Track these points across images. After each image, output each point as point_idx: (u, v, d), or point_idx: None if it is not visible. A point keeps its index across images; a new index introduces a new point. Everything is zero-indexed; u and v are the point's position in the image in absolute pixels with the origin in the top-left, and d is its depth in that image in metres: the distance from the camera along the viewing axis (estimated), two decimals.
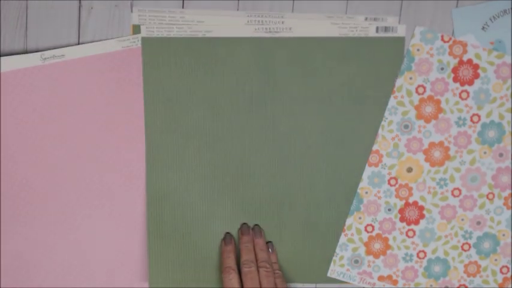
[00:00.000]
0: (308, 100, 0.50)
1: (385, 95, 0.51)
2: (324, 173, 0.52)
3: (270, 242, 0.53)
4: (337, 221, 0.53)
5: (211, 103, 0.50)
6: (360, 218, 0.53)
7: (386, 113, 0.51)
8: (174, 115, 0.51)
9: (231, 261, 0.50)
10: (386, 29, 0.49)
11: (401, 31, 0.49)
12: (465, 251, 0.54)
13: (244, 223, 0.53)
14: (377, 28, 0.49)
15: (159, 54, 0.50)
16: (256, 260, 0.51)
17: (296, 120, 0.51)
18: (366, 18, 0.49)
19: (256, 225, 0.53)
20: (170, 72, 0.50)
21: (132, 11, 0.50)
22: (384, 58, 0.50)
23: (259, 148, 0.51)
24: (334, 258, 0.54)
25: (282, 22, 0.49)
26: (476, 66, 0.50)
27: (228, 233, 0.53)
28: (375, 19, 0.49)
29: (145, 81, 0.50)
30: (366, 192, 0.52)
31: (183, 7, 0.50)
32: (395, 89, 0.50)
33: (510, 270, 0.54)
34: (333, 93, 0.50)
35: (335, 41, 0.49)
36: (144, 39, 0.49)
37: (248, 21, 0.49)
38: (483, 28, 0.50)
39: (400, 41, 0.50)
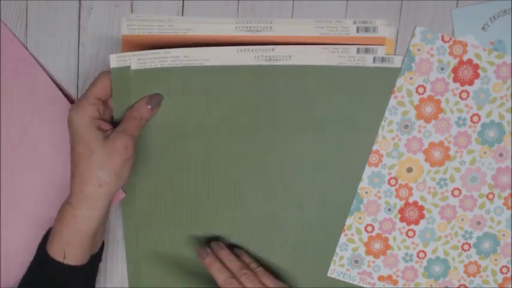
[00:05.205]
0: (302, 128, 0.50)
1: (377, 124, 0.51)
2: (315, 199, 0.52)
3: (233, 246, 0.53)
4: (327, 244, 0.53)
5: (206, 128, 0.50)
6: (359, 218, 0.53)
7: (387, 113, 0.51)
8: (169, 140, 0.50)
9: (223, 273, 0.49)
10: (383, 59, 0.49)
11: (397, 62, 0.49)
12: (465, 251, 0.53)
13: (196, 247, 0.52)
14: (374, 58, 0.49)
15: (152, 86, 0.47)
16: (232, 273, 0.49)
17: (289, 147, 0.51)
18: (355, 22, 0.49)
19: (211, 241, 0.52)
20: (165, 101, 0.48)
21: (132, 11, 0.50)
22: (378, 88, 0.50)
23: (252, 173, 0.51)
24: (334, 258, 0.54)
25: (270, 28, 0.49)
26: (476, 66, 0.50)
27: (196, 247, 0.52)
28: (363, 22, 0.49)
29: None
30: (366, 192, 0.52)
31: (182, 7, 0.50)
32: (395, 89, 0.50)
33: (510, 270, 0.54)
34: (326, 121, 0.50)
35: (332, 70, 0.49)
36: (135, 72, 0.46)
37: (236, 28, 0.49)
38: (483, 28, 0.50)
39: (396, 71, 0.49)
